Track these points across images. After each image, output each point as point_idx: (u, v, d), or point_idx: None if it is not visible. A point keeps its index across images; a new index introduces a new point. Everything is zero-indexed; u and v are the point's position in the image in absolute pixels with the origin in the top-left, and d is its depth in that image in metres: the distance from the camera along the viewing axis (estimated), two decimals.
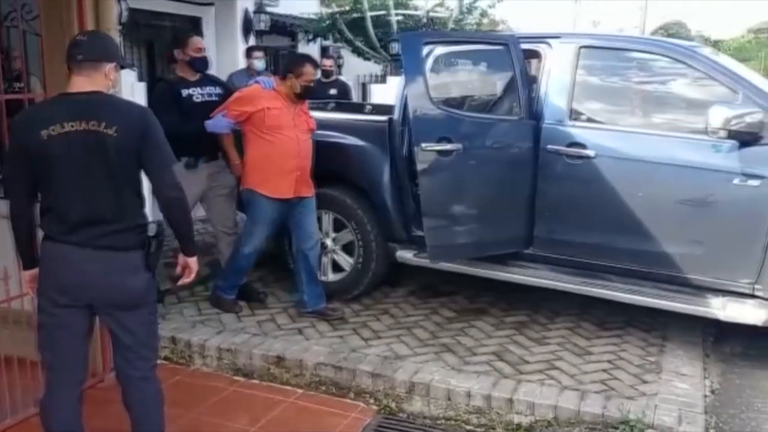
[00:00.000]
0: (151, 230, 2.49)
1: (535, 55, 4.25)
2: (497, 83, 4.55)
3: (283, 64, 4.31)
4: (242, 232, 4.32)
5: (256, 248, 4.25)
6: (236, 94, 4.23)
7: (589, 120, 4.10)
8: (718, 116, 3.50)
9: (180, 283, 2.73)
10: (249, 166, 4.16)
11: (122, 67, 2.57)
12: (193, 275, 2.66)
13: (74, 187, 2.39)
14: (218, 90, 4.42)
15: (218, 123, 4.17)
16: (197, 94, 4.29)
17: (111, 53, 2.49)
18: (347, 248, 4.59)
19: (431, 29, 10.09)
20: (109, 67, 2.45)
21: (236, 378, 3.78)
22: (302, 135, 4.15)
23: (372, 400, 3.53)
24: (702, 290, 3.79)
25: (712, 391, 3.60)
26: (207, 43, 9.90)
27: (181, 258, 2.65)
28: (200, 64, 4.35)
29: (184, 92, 4.25)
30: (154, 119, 2.47)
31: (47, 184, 2.42)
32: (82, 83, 2.41)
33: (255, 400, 3.54)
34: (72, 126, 2.34)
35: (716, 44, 23.45)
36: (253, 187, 4.13)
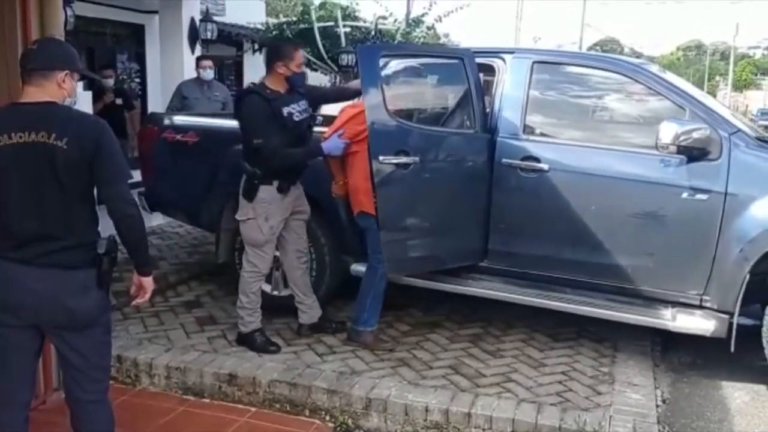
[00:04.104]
0: (101, 247, 2.37)
1: (489, 69, 4.29)
2: (453, 97, 4.57)
3: None
4: (374, 257, 3.99)
5: None
6: (350, 111, 3.96)
7: (543, 134, 4.17)
8: (667, 132, 3.59)
9: (134, 303, 2.61)
10: (364, 188, 3.89)
11: (83, 77, 2.45)
12: (148, 295, 2.54)
13: (22, 201, 2.27)
14: (306, 103, 4.01)
15: (335, 145, 3.86)
16: (296, 111, 3.89)
17: (62, 60, 2.37)
18: None
19: (380, 41, 10.11)
20: (62, 75, 2.33)
21: (186, 397, 3.66)
22: None
23: (328, 417, 3.47)
24: (652, 301, 3.88)
25: (664, 401, 3.68)
26: (150, 51, 9.76)
27: (136, 277, 2.51)
28: (300, 81, 3.96)
29: (285, 110, 3.82)
30: (109, 131, 2.35)
31: None
32: (33, 93, 2.31)
33: (206, 419, 3.43)
34: (20, 137, 2.24)
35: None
36: (373, 213, 3.90)
